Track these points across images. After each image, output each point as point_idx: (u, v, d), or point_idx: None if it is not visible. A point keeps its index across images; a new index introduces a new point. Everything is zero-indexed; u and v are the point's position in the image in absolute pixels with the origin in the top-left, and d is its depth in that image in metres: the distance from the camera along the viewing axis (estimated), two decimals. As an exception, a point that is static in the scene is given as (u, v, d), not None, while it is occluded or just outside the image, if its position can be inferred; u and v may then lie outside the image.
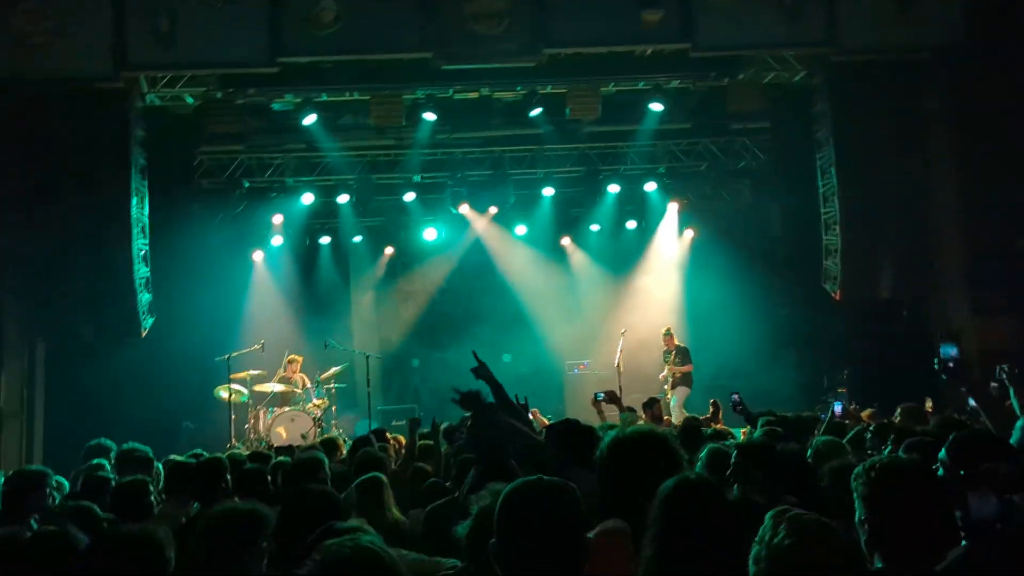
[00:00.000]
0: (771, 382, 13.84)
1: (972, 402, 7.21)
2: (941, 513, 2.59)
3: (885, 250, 12.24)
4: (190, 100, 12.24)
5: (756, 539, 2.17)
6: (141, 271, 11.63)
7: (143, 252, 11.73)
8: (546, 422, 8.74)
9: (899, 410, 6.81)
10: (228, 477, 5.09)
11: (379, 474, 4.80)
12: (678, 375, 13.17)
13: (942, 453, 2.84)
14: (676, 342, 13.43)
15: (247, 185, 14.59)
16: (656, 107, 12.77)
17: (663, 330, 13.60)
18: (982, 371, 10.86)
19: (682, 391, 13.12)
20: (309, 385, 12.90)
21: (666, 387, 13.23)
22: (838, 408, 10.52)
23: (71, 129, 11.24)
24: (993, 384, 4.60)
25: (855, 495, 2.66)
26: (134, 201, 11.47)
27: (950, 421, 5.02)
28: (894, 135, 12.12)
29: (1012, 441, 4.10)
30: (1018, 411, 4.45)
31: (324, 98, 12.56)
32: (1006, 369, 4.59)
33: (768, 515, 2.21)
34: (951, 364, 4.20)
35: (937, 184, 12.14)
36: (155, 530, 2.79)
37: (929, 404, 8.43)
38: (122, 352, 11.82)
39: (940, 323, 12.19)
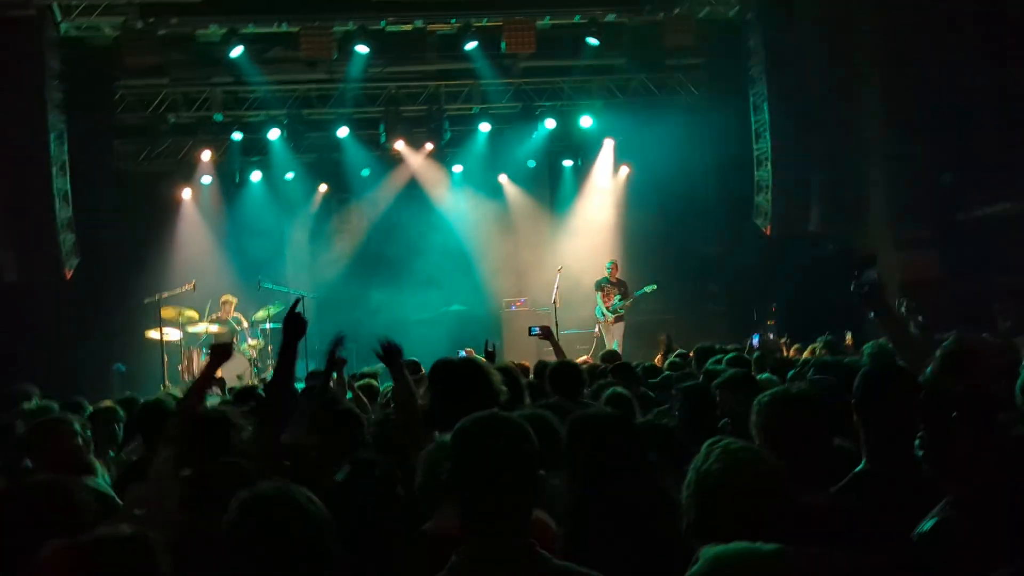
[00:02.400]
0: (702, 316, 14.19)
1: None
2: (825, 441, 2.79)
3: (814, 186, 12.48)
4: (108, 31, 11.69)
5: (691, 467, 2.22)
6: (63, 211, 11.22)
7: (64, 191, 11.29)
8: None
9: (820, 343, 7.05)
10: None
11: None
12: (623, 308, 13.19)
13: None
14: (618, 275, 13.48)
15: (172, 121, 14.07)
16: (592, 41, 12.66)
17: (609, 261, 13.60)
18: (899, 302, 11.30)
19: (621, 327, 13.23)
20: (245, 326, 12.73)
21: (602, 320, 13.30)
22: (755, 341, 10.87)
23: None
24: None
25: (752, 427, 2.81)
26: (52, 137, 10.99)
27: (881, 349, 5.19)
28: (825, 71, 12.26)
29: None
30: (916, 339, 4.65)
31: (251, 29, 12.14)
32: (905, 302, 4.82)
33: (705, 444, 2.25)
34: (866, 288, 4.32)
35: (866, 120, 12.37)
36: (69, 480, 2.75)
37: (849, 338, 8.73)
38: (47, 294, 11.46)
39: (864, 254, 12.55)
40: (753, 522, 2.03)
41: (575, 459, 2.98)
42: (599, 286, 13.37)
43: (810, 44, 12.19)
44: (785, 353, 8.48)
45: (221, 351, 4.43)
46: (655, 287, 13.24)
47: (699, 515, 2.15)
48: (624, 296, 13.23)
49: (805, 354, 7.63)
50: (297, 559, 2.06)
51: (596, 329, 13.49)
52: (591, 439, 2.98)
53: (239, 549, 2.04)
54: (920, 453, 2.58)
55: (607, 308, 13.22)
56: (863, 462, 2.84)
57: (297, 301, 3.77)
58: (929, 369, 3.46)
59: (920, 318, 6.15)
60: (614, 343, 12.79)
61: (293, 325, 3.72)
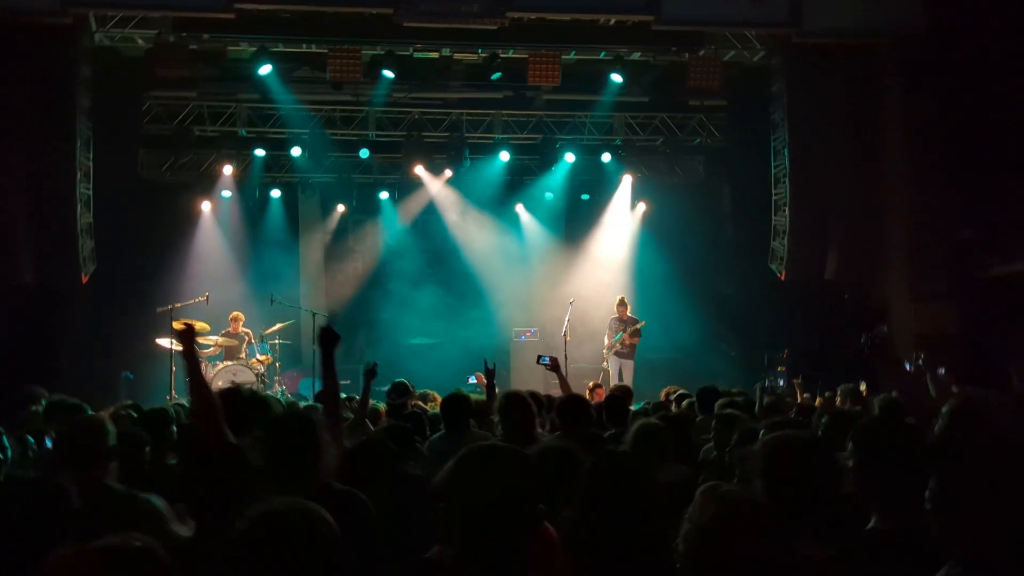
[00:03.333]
0: (712, 358, 14.12)
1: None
2: (830, 491, 2.71)
3: (832, 233, 12.45)
4: (141, 43, 11.86)
5: (686, 516, 2.18)
6: (84, 217, 11.31)
7: (86, 197, 11.39)
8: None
9: (839, 391, 7.03)
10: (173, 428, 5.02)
11: None
12: (627, 344, 13.15)
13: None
14: (629, 312, 13.44)
15: (197, 133, 14.22)
16: (616, 78, 12.75)
17: (618, 298, 13.56)
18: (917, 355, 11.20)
19: (630, 364, 13.15)
20: (253, 340, 12.75)
21: (608, 354, 13.27)
22: (766, 383, 10.80)
23: (14, 66, 10.81)
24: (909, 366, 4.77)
25: (754, 472, 2.75)
26: (78, 144, 11.12)
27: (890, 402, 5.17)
28: (848, 120, 12.29)
29: None
30: (933, 394, 4.64)
31: (281, 48, 12.28)
32: (923, 355, 4.80)
33: (698, 491, 2.22)
34: (876, 342, 4.32)
35: (887, 171, 12.36)
36: (59, 477, 2.76)
37: (863, 386, 8.65)
38: (62, 298, 11.53)
39: (881, 309, 12.49)
40: (747, 574, 2.00)
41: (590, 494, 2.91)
42: (611, 325, 13.41)
43: (834, 93, 12.23)
44: (798, 399, 8.42)
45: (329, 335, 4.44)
46: (642, 322, 13.25)
47: (694, 565, 2.12)
48: (634, 333, 13.18)
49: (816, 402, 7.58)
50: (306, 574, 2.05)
51: (605, 363, 13.45)
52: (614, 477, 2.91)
53: (248, 561, 2.04)
54: (928, 506, 2.54)
55: (608, 347, 13.30)
56: (873, 519, 2.78)
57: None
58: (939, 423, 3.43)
59: (942, 371, 6.11)
60: (617, 378, 12.72)
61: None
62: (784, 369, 12.52)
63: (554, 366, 7.06)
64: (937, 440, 2.95)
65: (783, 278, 12.52)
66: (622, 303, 13.46)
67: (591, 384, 9.88)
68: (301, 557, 2.01)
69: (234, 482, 3.16)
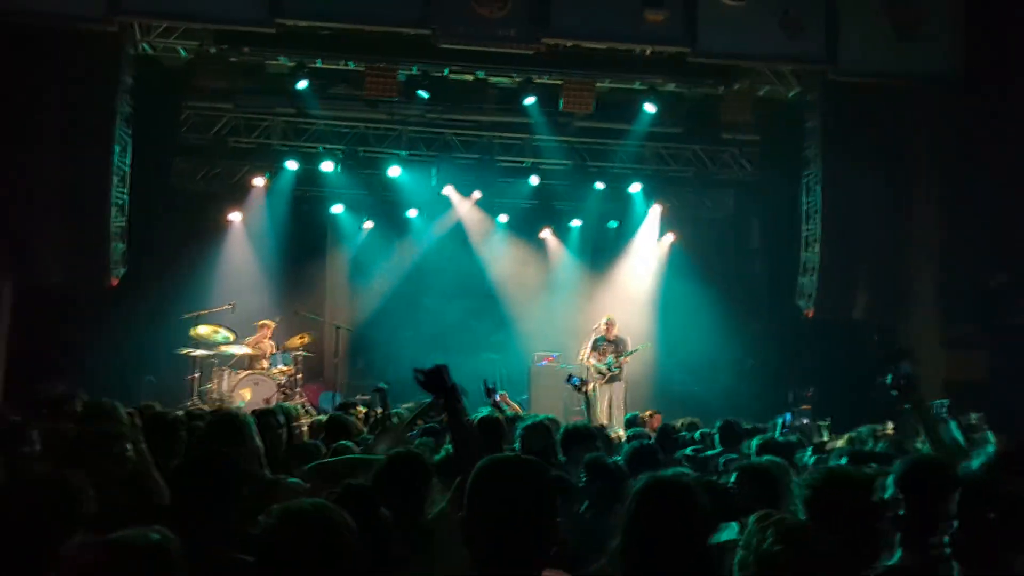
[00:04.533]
0: (735, 393, 13.98)
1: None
2: (871, 522, 2.73)
3: (861, 273, 12.34)
4: (183, 53, 12.06)
5: (741, 544, 2.17)
6: (117, 220, 11.45)
7: (121, 202, 11.55)
8: (517, 407, 8.74)
9: (862, 432, 6.92)
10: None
11: None
12: (617, 366, 12.58)
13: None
14: (616, 332, 12.84)
15: (231, 144, 14.40)
16: (649, 108, 12.78)
17: (605, 317, 13.00)
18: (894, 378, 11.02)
19: (620, 387, 12.61)
20: (276, 351, 12.81)
21: (595, 378, 12.46)
22: (788, 419, 10.66)
23: (58, 70, 11.02)
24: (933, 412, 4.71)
25: (799, 502, 2.74)
26: (116, 149, 11.29)
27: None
28: (881, 160, 12.22)
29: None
30: (962, 442, 4.56)
31: (319, 64, 12.44)
32: (946, 404, 4.74)
33: (751, 519, 2.20)
34: (903, 381, 4.24)
35: (919, 213, 12.27)
36: (71, 474, 2.77)
37: (890, 427, 8.51)
38: (90, 300, 11.66)
39: (903, 345, 12.34)
40: None
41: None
42: (596, 345, 12.83)
43: (868, 131, 12.18)
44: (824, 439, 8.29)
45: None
46: (647, 344, 12.85)
47: None
48: (618, 354, 12.71)
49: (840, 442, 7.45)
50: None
51: (590, 386, 12.89)
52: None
53: (271, 559, 2.04)
54: (948, 551, 2.51)
55: (600, 364, 12.65)
56: (897, 554, 2.75)
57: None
58: (975, 464, 3.35)
59: (974, 419, 6.00)
60: (608, 403, 12.29)
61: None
62: (809, 408, 12.38)
63: (581, 389, 7.03)
64: (973, 481, 2.90)
65: (810, 315, 12.40)
66: (610, 323, 12.89)
67: (648, 413, 9.55)
68: (320, 556, 2.02)
69: None
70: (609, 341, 12.82)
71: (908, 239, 12.33)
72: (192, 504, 2.97)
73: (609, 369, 12.63)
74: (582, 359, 12.75)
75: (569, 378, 7.07)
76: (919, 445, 5.15)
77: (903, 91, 12.22)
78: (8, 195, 11.05)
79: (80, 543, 2.38)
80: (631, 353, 12.83)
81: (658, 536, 2.32)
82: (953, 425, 4.59)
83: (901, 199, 12.33)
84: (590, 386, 12.23)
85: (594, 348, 12.82)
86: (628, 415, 9.53)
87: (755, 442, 5.71)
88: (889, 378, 4.27)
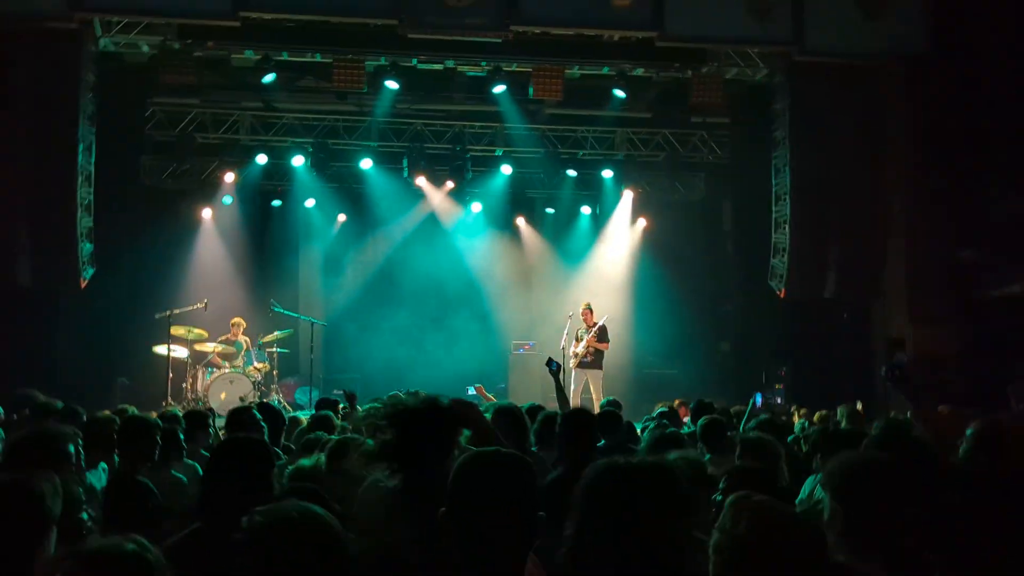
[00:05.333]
0: (709, 373, 14.12)
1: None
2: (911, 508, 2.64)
3: (832, 252, 12.45)
4: (146, 49, 11.89)
5: (717, 526, 2.16)
6: (84, 221, 11.30)
7: (87, 202, 11.39)
8: (491, 398, 8.75)
9: (841, 411, 7.02)
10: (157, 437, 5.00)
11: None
12: (591, 352, 12.26)
13: None
14: (595, 319, 12.56)
15: (199, 140, 14.24)
16: (619, 94, 12.78)
17: (584, 303, 12.80)
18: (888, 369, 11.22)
19: (597, 374, 12.30)
20: (251, 348, 12.73)
21: (572, 364, 12.23)
22: (758, 400, 10.76)
23: (18, 68, 10.84)
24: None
25: (825, 490, 2.70)
26: (80, 148, 11.12)
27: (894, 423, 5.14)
28: (850, 139, 12.32)
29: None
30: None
31: (285, 57, 12.30)
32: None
33: (728, 502, 2.20)
34: (898, 371, 4.28)
35: (888, 191, 12.39)
36: (35, 480, 2.74)
37: (860, 406, 8.63)
38: (60, 301, 11.51)
39: (880, 328, 12.50)
40: None
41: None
42: (579, 336, 12.46)
43: (837, 111, 12.26)
44: (796, 418, 8.39)
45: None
46: (605, 317, 12.51)
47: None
48: (599, 339, 12.32)
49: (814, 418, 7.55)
50: None
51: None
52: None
53: (251, 564, 2.02)
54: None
55: (576, 353, 12.34)
56: None
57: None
58: (962, 449, 3.39)
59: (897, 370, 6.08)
60: (582, 390, 12.06)
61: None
62: (782, 387, 12.51)
63: (556, 374, 7.03)
64: (962, 463, 2.92)
65: (782, 296, 12.51)
66: (588, 309, 12.64)
67: (676, 402, 9.32)
68: (306, 558, 2.00)
69: None
70: (587, 328, 12.55)
71: (877, 217, 12.44)
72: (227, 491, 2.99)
73: (585, 352, 12.26)
74: (563, 348, 12.69)
75: (549, 362, 7.04)
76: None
77: (870, 70, 12.31)
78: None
79: (55, 555, 2.36)
80: (600, 335, 12.41)
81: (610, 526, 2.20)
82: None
83: (871, 177, 12.44)
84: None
85: (577, 339, 12.52)
86: (606, 400, 9.36)
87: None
88: (884, 370, 4.29)
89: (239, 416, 5.45)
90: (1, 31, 10.71)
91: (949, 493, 2.53)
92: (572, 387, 11.97)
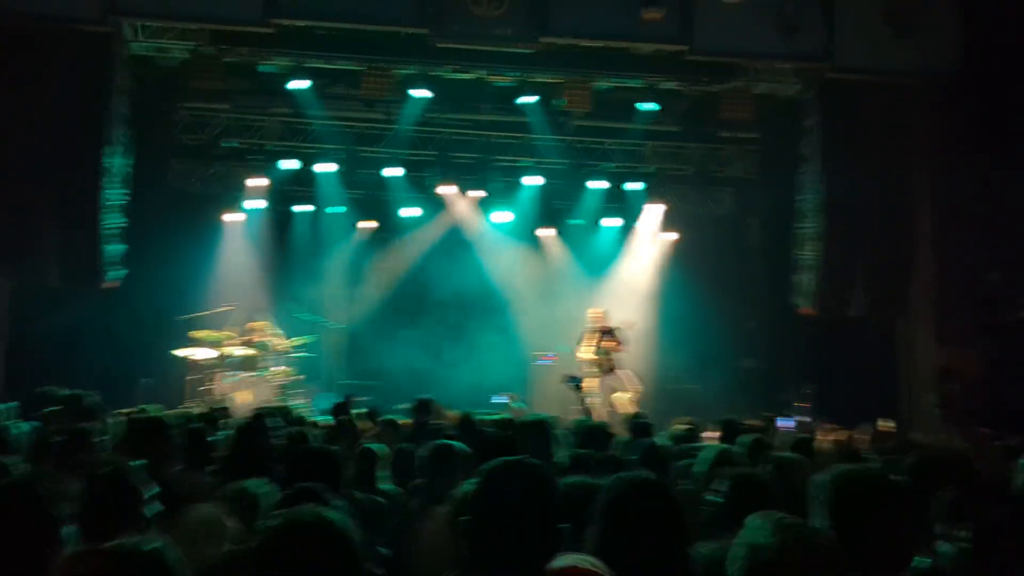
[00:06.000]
0: (733, 390, 13.97)
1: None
2: (902, 523, 2.64)
3: (858, 270, 12.33)
4: (177, 54, 12.02)
5: (737, 540, 2.14)
6: (117, 221, 11.41)
7: (122, 203, 11.51)
8: (520, 409, 8.73)
9: (860, 429, 6.93)
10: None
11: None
12: (613, 354, 12.29)
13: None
14: (610, 324, 12.55)
15: (228, 145, 14.37)
16: (647, 107, 12.75)
17: (599, 311, 12.82)
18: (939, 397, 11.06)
19: (624, 375, 12.35)
20: (273, 352, 12.79)
21: (596, 374, 12.29)
22: (791, 423, 10.64)
23: (51, 71, 10.98)
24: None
25: (817, 503, 2.68)
26: (115, 150, 11.26)
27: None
28: (879, 157, 12.21)
29: None
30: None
31: (315, 65, 12.40)
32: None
33: (750, 516, 2.18)
34: (947, 401, 4.16)
35: (917, 210, 12.26)
36: (34, 481, 2.74)
37: (891, 424, 8.53)
38: (87, 301, 11.62)
39: (904, 347, 12.35)
40: None
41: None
42: (599, 350, 12.46)
43: (867, 129, 12.16)
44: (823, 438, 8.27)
45: None
46: (634, 322, 12.63)
47: None
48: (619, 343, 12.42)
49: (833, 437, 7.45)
50: None
51: (586, 384, 12.41)
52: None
53: (265, 568, 2.01)
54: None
55: (591, 361, 12.40)
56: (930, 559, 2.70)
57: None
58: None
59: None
60: (610, 395, 12.07)
61: None
62: (808, 405, 12.37)
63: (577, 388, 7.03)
64: (980, 481, 2.88)
65: (807, 313, 12.39)
66: (599, 315, 12.70)
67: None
68: (321, 566, 1.99)
69: None
70: (603, 332, 12.59)
71: (905, 236, 12.31)
72: None
73: (606, 358, 12.29)
74: (580, 357, 12.69)
75: (568, 379, 7.04)
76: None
77: (901, 88, 12.20)
78: (4, 197, 11.02)
79: (74, 553, 2.36)
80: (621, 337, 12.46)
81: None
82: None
83: (899, 196, 12.32)
84: (586, 384, 12.28)
85: (587, 342, 12.59)
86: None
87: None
88: (935, 400, 4.20)
89: (258, 422, 5.43)
90: (34, 34, 10.86)
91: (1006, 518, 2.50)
92: (600, 395, 12.11)
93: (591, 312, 12.93)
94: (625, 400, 11.94)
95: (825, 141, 12.18)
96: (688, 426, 7.36)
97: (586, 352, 12.57)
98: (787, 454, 4.35)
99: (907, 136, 12.30)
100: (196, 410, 8.47)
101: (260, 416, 5.52)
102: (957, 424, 3.97)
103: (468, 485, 2.76)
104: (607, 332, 12.60)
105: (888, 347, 12.63)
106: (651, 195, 15.25)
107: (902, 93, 12.23)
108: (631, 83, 12.74)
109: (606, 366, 12.40)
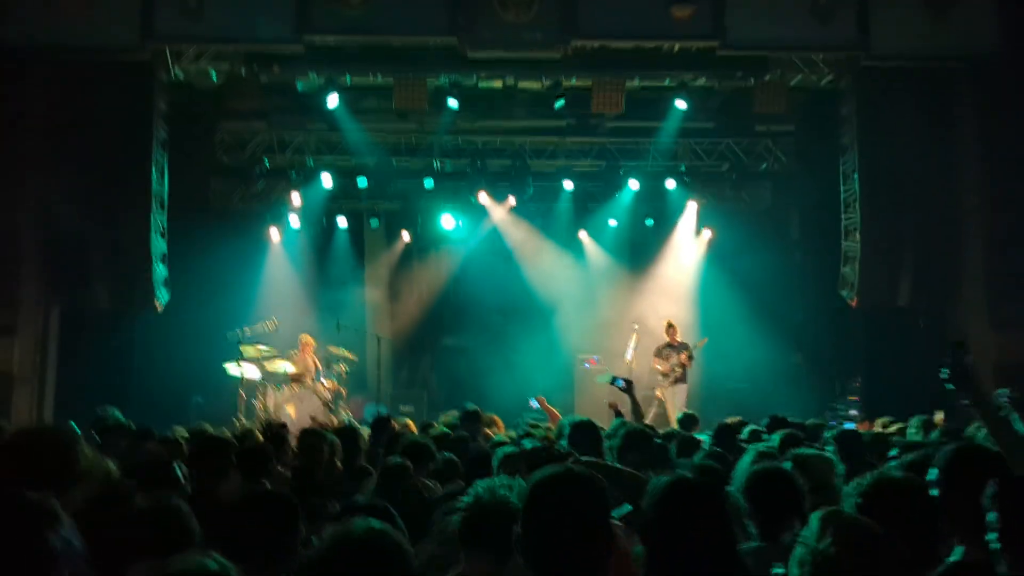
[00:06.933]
0: (780, 387, 13.79)
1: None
2: (927, 526, 2.65)
3: (905, 259, 12.11)
4: (214, 76, 12.24)
5: (800, 540, 2.14)
6: (159, 245, 11.66)
7: (162, 227, 11.75)
8: (554, 410, 8.72)
9: (914, 423, 6.79)
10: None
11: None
12: (681, 369, 12.88)
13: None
14: (679, 337, 13.21)
15: (266, 163, 14.59)
16: (680, 105, 12.69)
17: (665, 322, 13.36)
18: (998, 386, 10.76)
19: (684, 389, 12.93)
20: (319, 366, 12.93)
21: (664, 384, 12.99)
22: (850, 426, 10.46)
23: (95, 99, 11.25)
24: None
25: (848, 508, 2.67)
26: (154, 174, 11.50)
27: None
28: (920, 143, 11.98)
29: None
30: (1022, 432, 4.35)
31: (348, 80, 12.53)
32: (1009, 393, 4.55)
33: (813, 516, 2.18)
34: (960, 372, 4.02)
35: (962, 193, 12.01)
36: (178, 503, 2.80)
37: (940, 417, 8.34)
38: (136, 324, 11.87)
39: (957, 335, 12.08)
40: None
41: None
42: (660, 352, 13.12)
43: (906, 115, 11.95)
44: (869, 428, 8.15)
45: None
46: (705, 339, 13.10)
47: None
48: (688, 357, 12.97)
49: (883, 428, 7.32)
50: None
51: (659, 392, 13.12)
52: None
53: None
54: (997, 545, 2.45)
55: (664, 372, 13.00)
56: (960, 551, 2.67)
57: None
58: None
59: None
60: (676, 409, 12.37)
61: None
62: (857, 399, 12.17)
63: (628, 388, 7.01)
64: (1004, 471, 2.82)
65: (854, 304, 12.19)
66: (671, 327, 13.24)
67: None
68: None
69: None
70: (671, 346, 13.05)
71: (952, 222, 12.06)
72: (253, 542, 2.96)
73: (673, 368, 12.88)
74: (629, 361, 12.74)
75: (613, 380, 7.01)
76: (973, 432, 5.02)
77: (939, 71, 11.97)
78: (53, 223, 11.32)
79: (139, 569, 2.40)
80: (690, 353, 13.00)
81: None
82: (1016, 418, 4.38)
83: (944, 181, 12.07)
84: (659, 392, 12.83)
85: (657, 355, 13.09)
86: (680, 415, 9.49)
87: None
88: (944, 372, 4.05)
89: (310, 440, 5.52)
90: (77, 63, 11.14)
91: None
92: (667, 402, 12.68)
93: (667, 325, 13.32)
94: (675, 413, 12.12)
95: (862, 129, 11.98)
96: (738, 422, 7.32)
97: (663, 365, 13.03)
98: (810, 451, 4.32)
99: (948, 119, 12.05)
100: (257, 426, 8.58)
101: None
102: (971, 399, 3.80)
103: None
104: (682, 346, 13.08)
105: (940, 337, 12.37)
106: (687, 192, 15.15)
107: (941, 76, 12.00)
108: (663, 82, 12.66)
109: (676, 377, 12.89)
